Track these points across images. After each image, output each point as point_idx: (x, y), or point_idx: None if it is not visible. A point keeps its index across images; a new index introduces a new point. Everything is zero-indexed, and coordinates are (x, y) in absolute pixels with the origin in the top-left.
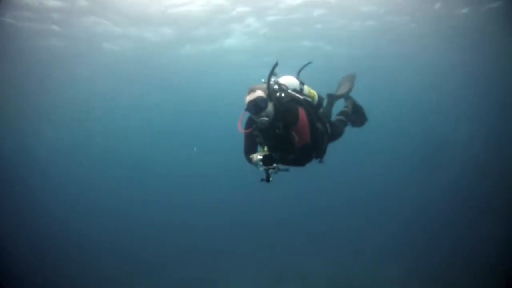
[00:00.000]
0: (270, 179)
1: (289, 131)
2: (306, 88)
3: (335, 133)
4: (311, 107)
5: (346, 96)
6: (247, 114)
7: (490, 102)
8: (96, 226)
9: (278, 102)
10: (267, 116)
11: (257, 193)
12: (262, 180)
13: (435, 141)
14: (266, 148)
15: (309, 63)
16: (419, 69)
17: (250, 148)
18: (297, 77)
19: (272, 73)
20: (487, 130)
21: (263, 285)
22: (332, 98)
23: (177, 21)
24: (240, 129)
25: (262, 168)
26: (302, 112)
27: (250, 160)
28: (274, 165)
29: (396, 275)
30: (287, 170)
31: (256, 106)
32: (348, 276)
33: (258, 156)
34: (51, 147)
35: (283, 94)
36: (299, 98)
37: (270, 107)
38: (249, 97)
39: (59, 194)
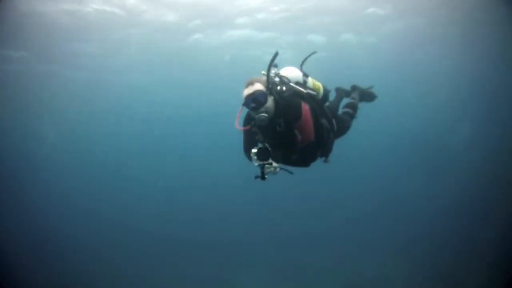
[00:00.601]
0: (266, 176)
1: (291, 128)
2: (310, 80)
3: (342, 128)
4: (316, 101)
5: (353, 86)
6: (246, 109)
7: (492, 102)
8: (96, 228)
9: (279, 96)
10: (266, 112)
11: (265, 190)
12: (256, 177)
13: (436, 141)
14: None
15: (313, 53)
16: (419, 67)
17: (250, 146)
18: (301, 68)
19: (272, 64)
20: (489, 130)
21: (273, 281)
22: (341, 92)
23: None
24: (237, 126)
25: (256, 164)
26: (305, 107)
27: (251, 158)
28: (270, 160)
29: (404, 272)
30: (291, 173)
31: (254, 101)
32: (358, 272)
33: (252, 150)
34: (48, 148)
35: (284, 88)
36: (302, 92)
37: (270, 102)
38: (247, 91)
39: (54, 196)
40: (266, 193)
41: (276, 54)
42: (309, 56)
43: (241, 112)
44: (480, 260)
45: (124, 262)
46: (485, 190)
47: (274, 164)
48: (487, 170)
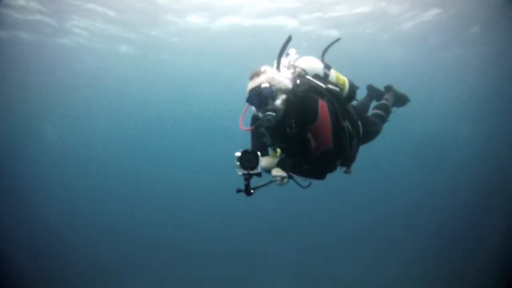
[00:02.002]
0: (252, 191)
1: (304, 132)
2: (333, 73)
3: (370, 133)
4: (338, 99)
5: (387, 87)
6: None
7: (493, 102)
8: (98, 233)
9: (291, 91)
10: (274, 111)
11: (284, 194)
12: (239, 191)
13: (436, 142)
14: (278, 150)
15: (338, 39)
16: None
17: (258, 148)
18: (322, 59)
19: (283, 51)
20: (489, 129)
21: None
22: (374, 91)
23: None
24: (241, 126)
25: (240, 173)
26: (323, 106)
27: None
28: (259, 170)
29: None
30: (302, 187)
31: (259, 97)
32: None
33: (235, 153)
34: (45, 149)
35: (298, 81)
36: (320, 87)
37: (279, 98)
38: (251, 84)
39: (50, 196)
40: (275, 200)
41: (289, 39)
42: (332, 43)
43: (247, 110)
44: (488, 258)
45: (131, 271)
46: (490, 190)
47: (282, 173)
48: (492, 170)
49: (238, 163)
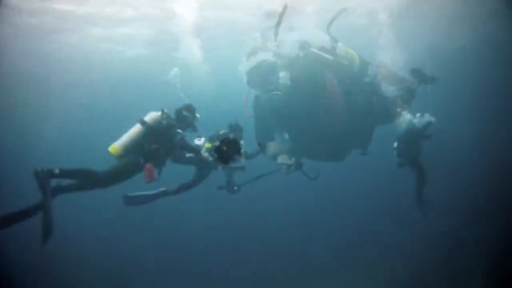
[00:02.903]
0: (236, 187)
1: (313, 107)
2: (341, 47)
3: (388, 113)
4: (347, 73)
5: (414, 70)
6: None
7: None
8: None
9: (295, 66)
10: (279, 90)
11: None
12: (220, 188)
13: (435, 141)
14: (286, 135)
15: (343, 10)
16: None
17: (264, 134)
18: (328, 31)
19: (280, 22)
20: (490, 128)
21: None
22: (388, 73)
23: None
24: (245, 112)
25: (220, 167)
26: (331, 79)
27: (264, 150)
28: (243, 162)
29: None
30: (311, 178)
31: (260, 77)
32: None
33: (213, 143)
34: (45, 150)
35: (301, 53)
36: (327, 59)
37: (282, 74)
38: (249, 64)
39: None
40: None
41: (285, 8)
42: (337, 15)
43: (249, 94)
44: (488, 258)
45: (132, 276)
46: (490, 190)
47: (288, 161)
48: (492, 170)
49: (215, 155)
